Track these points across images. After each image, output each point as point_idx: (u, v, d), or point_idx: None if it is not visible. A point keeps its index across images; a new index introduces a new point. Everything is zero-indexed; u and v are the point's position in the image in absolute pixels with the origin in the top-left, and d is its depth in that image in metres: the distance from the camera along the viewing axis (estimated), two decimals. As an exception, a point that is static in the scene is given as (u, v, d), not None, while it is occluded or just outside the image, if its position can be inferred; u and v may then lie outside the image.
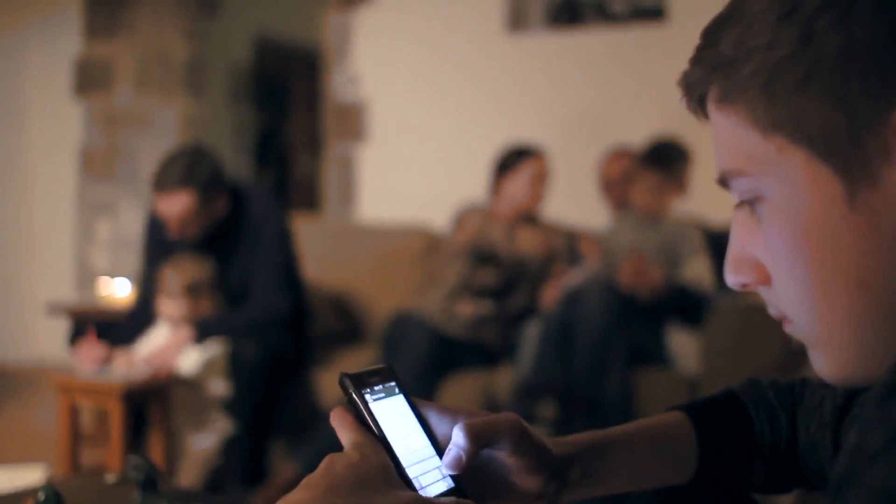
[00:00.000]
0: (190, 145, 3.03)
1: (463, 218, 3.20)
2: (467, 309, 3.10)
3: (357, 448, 0.61)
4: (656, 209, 2.88)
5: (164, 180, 2.74)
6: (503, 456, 0.66)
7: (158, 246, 2.97)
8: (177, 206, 2.74)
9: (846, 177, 0.49)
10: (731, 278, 0.56)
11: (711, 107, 0.54)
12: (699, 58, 0.55)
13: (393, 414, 0.64)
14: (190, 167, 2.75)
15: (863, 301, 0.50)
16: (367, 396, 0.64)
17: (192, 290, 2.83)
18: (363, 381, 0.66)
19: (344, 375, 0.66)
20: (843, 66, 0.48)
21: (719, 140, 0.54)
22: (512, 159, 3.13)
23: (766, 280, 0.54)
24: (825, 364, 0.54)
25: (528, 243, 3.15)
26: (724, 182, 0.55)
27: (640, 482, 0.75)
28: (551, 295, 2.95)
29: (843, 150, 0.48)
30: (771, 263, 0.53)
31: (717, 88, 0.53)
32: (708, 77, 0.54)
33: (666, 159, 2.86)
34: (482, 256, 3.11)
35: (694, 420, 0.78)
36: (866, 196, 0.49)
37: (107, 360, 2.73)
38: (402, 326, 2.92)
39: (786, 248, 0.52)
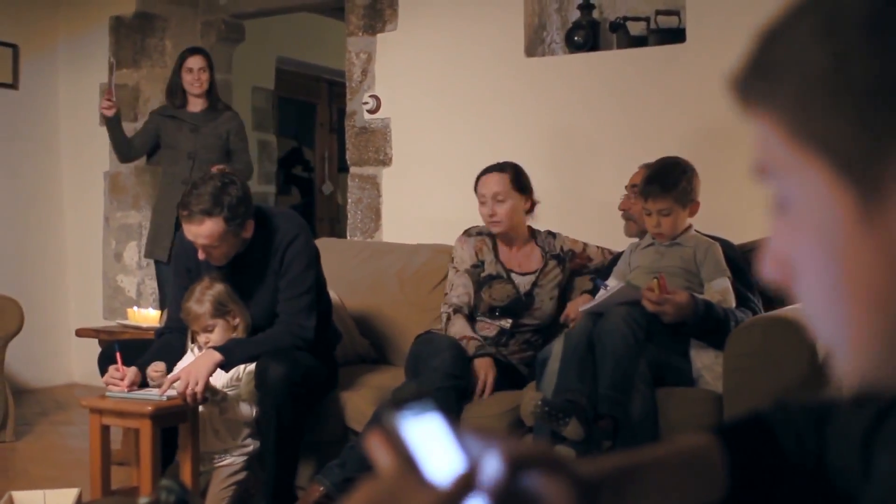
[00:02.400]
0: (217, 171, 3.08)
1: (457, 245, 3.22)
2: (488, 328, 3.12)
3: (392, 471, 0.61)
4: (670, 233, 2.83)
5: (192, 206, 2.78)
6: (536, 484, 0.66)
7: (187, 270, 3.02)
8: (205, 231, 2.78)
9: (863, 195, 0.50)
10: (765, 272, 0.58)
11: (750, 108, 0.56)
12: (747, 59, 0.57)
13: (428, 437, 0.64)
14: (218, 193, 2.79)
15: (879, 313, 0.51)
16: (402, 419, 0.64)
17: (219, 311, 2.86)
18: (398, 404, 0.67)
19: (383, 402, 0.66)
20: (873, 91, 0.49)
21: (756, 138, 0.56)
22: (476, 184, 3.18)
23: (795, 279, 0.56)
24: (846, 369, 0.55)
25: (525, 263, 3.17)
26: (757, 175, 0.57)
27: None
28: (574, 311, 2.94)
29: (862, 170, 0.50)
30: (797, 265, 0.55)
31: (756, 93, 0.55)
32: (749, 80, 0.56)
33: (669, 180, 2.77)
34: (489, 277, 3.13)
35: (722, 443, 0.79)
36: (881, 215, 0.50)
37: (135, 383, 2.77)
38: (427, 347, 2.93)
39: (807, 254, 0.54)
